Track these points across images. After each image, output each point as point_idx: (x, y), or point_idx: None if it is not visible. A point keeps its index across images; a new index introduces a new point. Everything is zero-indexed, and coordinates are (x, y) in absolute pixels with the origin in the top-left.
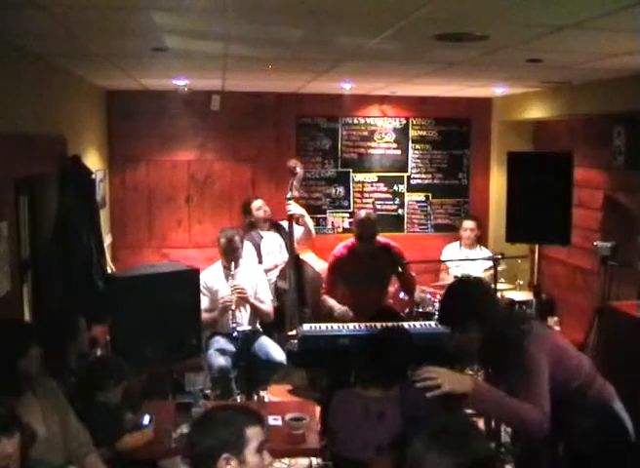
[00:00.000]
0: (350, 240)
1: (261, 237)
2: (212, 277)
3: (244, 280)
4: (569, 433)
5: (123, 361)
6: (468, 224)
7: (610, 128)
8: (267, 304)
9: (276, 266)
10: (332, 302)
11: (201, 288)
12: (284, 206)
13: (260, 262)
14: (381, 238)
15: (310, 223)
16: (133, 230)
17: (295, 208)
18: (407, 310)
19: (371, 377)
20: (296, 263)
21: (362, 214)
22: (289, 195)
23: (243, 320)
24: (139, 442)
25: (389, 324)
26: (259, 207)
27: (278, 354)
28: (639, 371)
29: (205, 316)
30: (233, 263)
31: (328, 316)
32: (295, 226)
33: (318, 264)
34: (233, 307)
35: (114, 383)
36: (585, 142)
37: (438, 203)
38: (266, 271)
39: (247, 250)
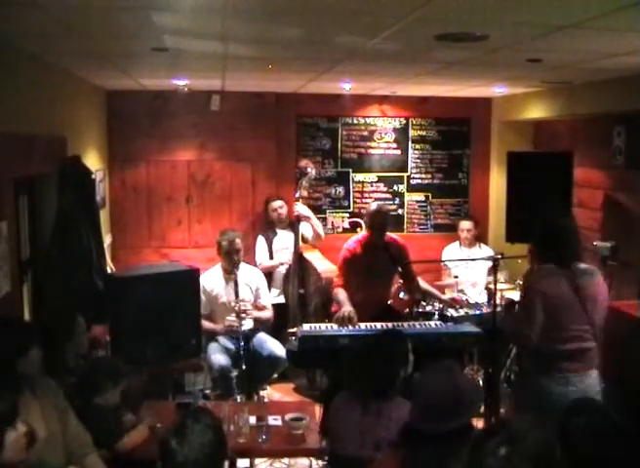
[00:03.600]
0: (362, 234)
1: (276, 234)
2: (211, 280)
3: (243, 285)
4: (563, 434)
5: (120, 361)
6: (465, 225)
7: (610, 128)
8: (268, 309)
9: (283, 263)
10: (342, 297)
11: (200, 292)
12: (291, 205)
13: (271, 258)
14: (391, 234)
15: (317, 224)
16: (133, 230)
17: (301, 208)
18: (407, 310)
19: (361, 390)
20: (299, 262)
21: (374, 205)
22: (297, 194)
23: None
24: (137, 440)
25: (388, 324)
26: (274, 209)
27: (278, 349)
28: (639, 371)
29: (205, 325)
30: (234, 266)
31: (332, 314)
32: (306, 227)
33: (322, 264)
34: (238, 327)
35: (112, 385)
36: (585, 142)
37: (438, 203)
38: (275, 267)
39: (259, 244)
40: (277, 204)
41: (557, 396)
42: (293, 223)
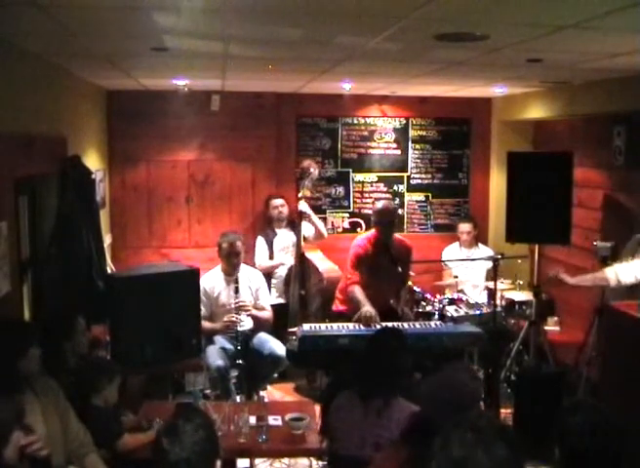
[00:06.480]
0: (371, 232)
1: (275, 234)
2: (211, 282)
3: (244, 286)
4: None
5: (112, 360)
6: (464, 228)
7: (610, 128)
8: (267, 310)
9: (284, 264)
10: (360, 296)
11: (200, 294)
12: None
13: (272, 258)
14: (399, 235)
15: (319, 223)
16: (133, 230)
17: (303, 206)
18: (401, 310)
19: (362, 389)
20: (301, 261)
21: (380, 203)
22: (300, 194)
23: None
24: (139, 443)
25: (388, 324)
26: (275, 206)
27: (279, 348)
28: (639, 371)
29: (205, 325)
30: (234, 269)
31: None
32: (306, 226)
33: (323, 264)
34: (238, 326)
35: (108, 381)
36: (585, 142)
37: (438, 203)
38: (275, 267)
39: (259, 245)
40: (279, 202)
41: None
42: (292, 223)
